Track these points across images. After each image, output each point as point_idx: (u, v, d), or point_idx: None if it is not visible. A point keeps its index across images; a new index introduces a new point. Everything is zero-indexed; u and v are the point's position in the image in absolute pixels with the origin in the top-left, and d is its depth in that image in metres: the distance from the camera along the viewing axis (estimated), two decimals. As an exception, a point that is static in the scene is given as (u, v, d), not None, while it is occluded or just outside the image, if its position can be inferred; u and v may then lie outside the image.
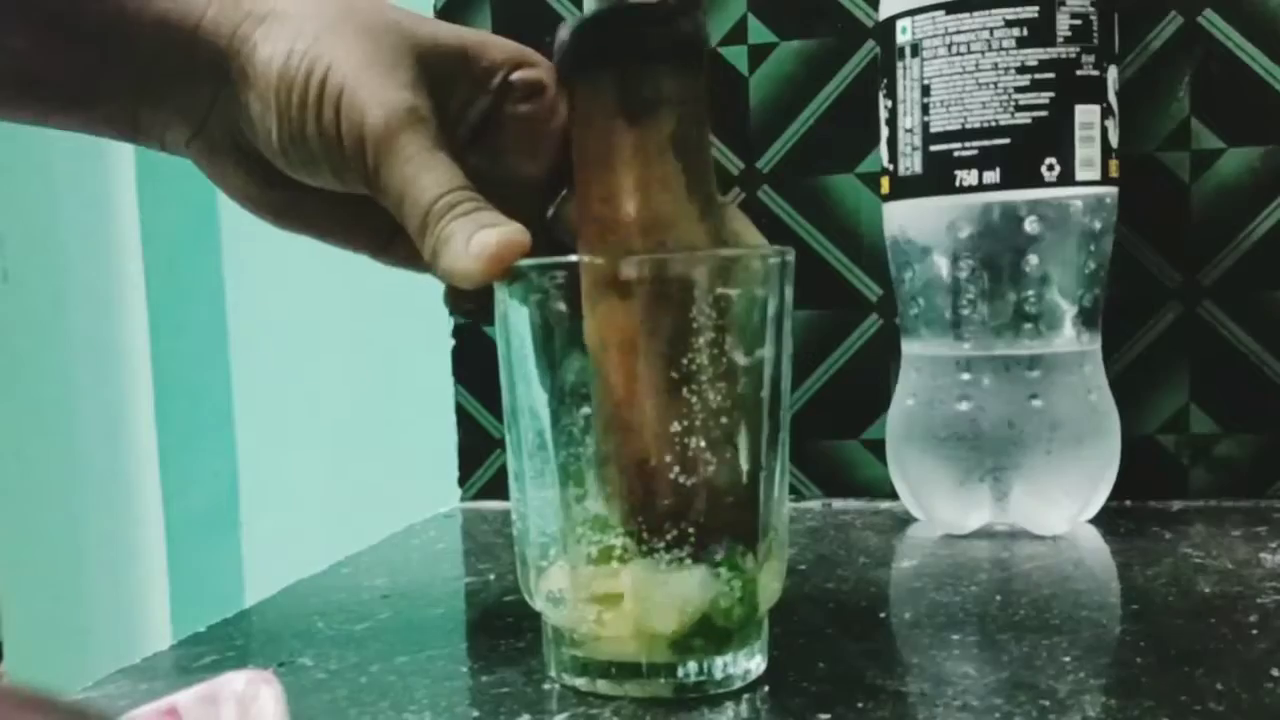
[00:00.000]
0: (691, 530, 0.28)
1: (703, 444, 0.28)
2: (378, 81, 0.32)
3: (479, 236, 0.30)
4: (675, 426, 0.28)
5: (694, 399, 0.28)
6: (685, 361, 0.28)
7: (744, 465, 0.29)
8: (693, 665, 0.29)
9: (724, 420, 0.28)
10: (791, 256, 0.30)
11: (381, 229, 0.36)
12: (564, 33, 0.31)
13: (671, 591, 0.28)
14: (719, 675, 0.30)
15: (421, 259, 0.32)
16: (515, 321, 0.30)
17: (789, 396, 0.31)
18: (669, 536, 0.28)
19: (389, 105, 0.31)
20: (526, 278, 0.29)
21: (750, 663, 0.30)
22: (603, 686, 0.30)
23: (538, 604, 0.31)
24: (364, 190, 0.33)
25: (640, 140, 0.30)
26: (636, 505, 0.29)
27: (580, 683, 0.30)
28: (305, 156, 0.33)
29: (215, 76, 0.33)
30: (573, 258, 0.29)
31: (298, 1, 0.33)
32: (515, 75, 0.35)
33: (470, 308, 0.36)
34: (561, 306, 0.29)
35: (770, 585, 0.30)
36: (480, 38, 0.35)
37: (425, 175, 0.31)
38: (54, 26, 0.33)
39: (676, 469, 0.28)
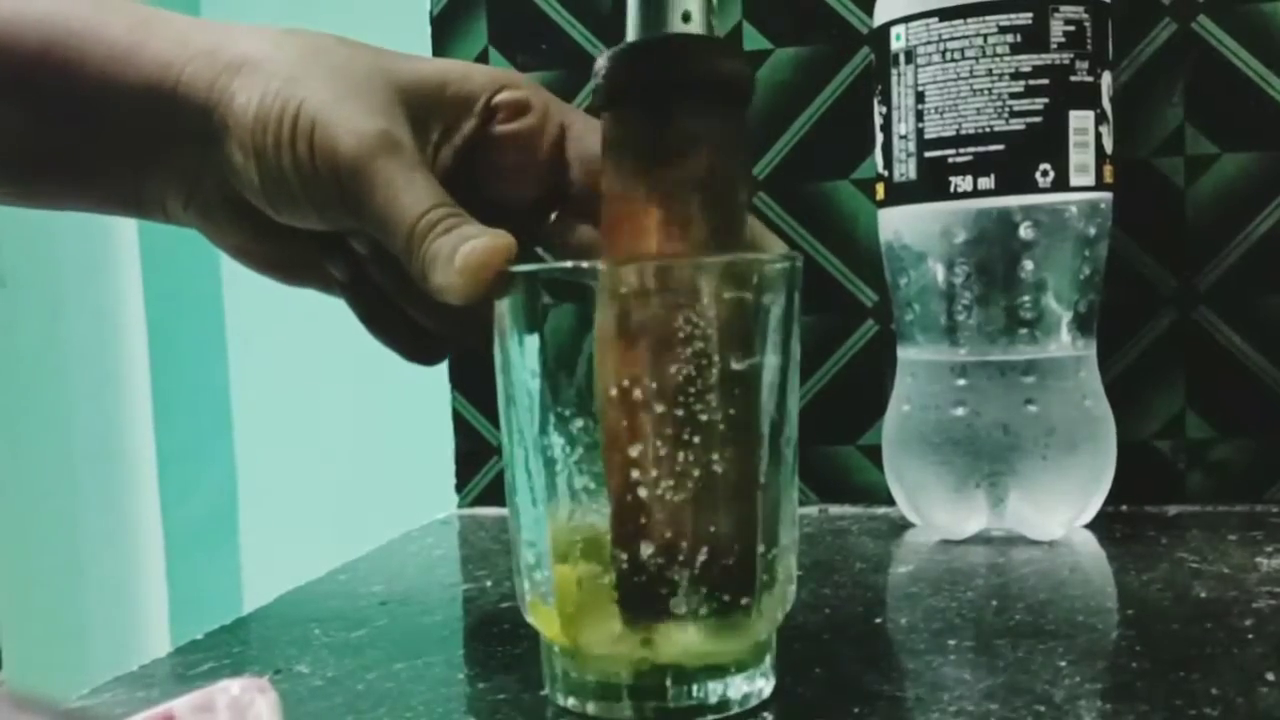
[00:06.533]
0: (686, 541, 0.27)
1: (704, 453, 0.27)
2: (348, 112, 0.32)
3: (464, 249, 0.30)
4: (679, 433, 0.27)
5: (698, 404, 0.27)
6: (690, 366, 0.27)
7: (744, 473, 0.28)
8: (686, 689, 0.28)
9: (723, 429, 0.27)
10: (800, 262, 0.29)
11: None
12: (602, 61, 0.30)
13: (662, 612, 0.27)
14: (714, 700, 0.28)
15: (426, 314, 0.32)
16: (509, 332, 0.29)
17: (797, 402, 0.30)
18: (662, 554, 0.27)
19: (360, 133, 0.32)
20: (518, 285, 0.29)
21: (751, 686, 0.29)
22: (593, 709, 0.29)
23: (528, 617, 0.30)
24: (352, 225, 0.33)
25: (664, 180, 0.29)
26: (633, 521, 0.28)
27: (571, 703, 0.29)
28: (287, 197, 0.33)
29: (201, 133, 0.33)
30: (567, 264, 0.29)
31: (272, 49, 0.33)
32: (499, 97, 0.35)
33: (471, 340, 0.36)
34: (555, 315, 0.28)
35: (774, 607, 0.29)
36: (463, 68, 0.36)
37: (404, 197, 0.31)
38: (48, 104, 0.33)
39: (671, 482, 0.27)
